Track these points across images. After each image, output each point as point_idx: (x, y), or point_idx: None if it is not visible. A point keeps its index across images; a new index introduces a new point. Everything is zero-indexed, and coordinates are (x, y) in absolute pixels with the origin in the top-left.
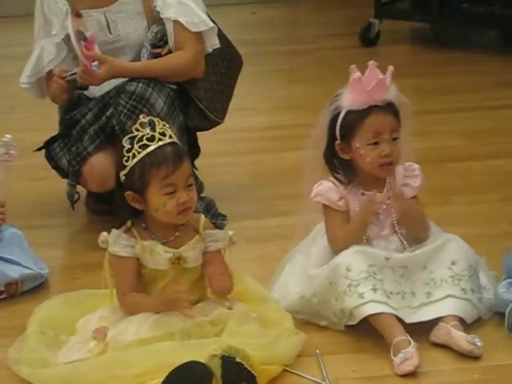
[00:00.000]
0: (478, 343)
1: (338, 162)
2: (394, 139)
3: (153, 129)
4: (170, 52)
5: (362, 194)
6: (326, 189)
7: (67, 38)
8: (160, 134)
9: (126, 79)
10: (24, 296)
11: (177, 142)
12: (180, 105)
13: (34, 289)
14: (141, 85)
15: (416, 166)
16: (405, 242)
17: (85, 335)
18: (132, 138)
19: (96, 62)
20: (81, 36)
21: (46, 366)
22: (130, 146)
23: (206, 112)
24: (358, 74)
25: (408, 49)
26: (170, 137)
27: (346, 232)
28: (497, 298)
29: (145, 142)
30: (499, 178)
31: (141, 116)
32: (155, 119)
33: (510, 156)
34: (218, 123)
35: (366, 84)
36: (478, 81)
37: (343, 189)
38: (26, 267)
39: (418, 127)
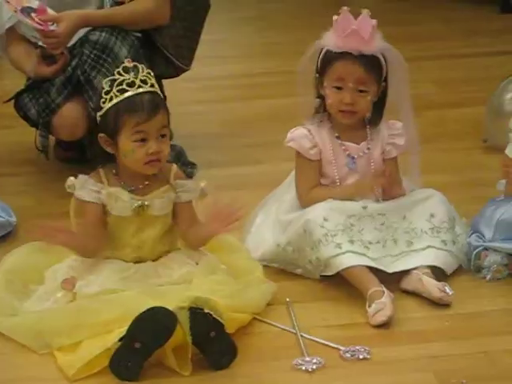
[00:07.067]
0: (449, 291)
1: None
2: (362, 91)
3: (135, 75)
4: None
5: (337, 137)
6: (300, 135)
7: None
8: (141, 81)
9: (90, 28)
10: None
11: (158, 91)
12: (145, 53)
13: (2, 237)
14: (104, 34)
15: (399, 124)
16: (380, 200)
17: (53, 285)
18: (112, 81)
19: (53, 23)
20: (29, 10)
21: (13, 314)
22: (109, 89)
23: (172, 59)
24: (336, 17)
25: None
26: (152, 86)
27: (327, 194)
28: (468, 248)
29: (124, 86)
30: (471, 127)
31: (126, 60)
32: (140, 66)
33: (481, 104)
34: (185, 70)
35: (340, 31)
36: (449, 28)
37: (318, 136)
38: None
39: None
